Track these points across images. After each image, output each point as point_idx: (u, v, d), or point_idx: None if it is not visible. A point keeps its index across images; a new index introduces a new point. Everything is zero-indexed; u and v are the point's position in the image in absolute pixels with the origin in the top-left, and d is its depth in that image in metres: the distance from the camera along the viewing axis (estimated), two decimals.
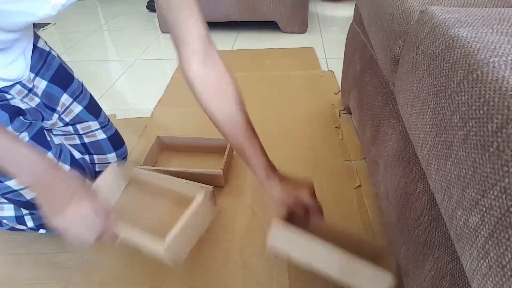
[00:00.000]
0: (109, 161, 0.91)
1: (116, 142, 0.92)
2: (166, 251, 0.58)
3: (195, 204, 0.65)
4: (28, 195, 0.70)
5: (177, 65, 0.64)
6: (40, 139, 0.70)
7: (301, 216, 0.66)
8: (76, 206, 0.53)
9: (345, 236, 0.64)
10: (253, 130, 0.67)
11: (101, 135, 0.88)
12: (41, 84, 0.76)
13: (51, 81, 0.78)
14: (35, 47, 0.74)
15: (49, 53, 0.78)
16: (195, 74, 0.62)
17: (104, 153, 0.90)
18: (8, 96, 0.66)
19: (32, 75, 0.74)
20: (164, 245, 0.58)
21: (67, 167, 0.73)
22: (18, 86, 0.69)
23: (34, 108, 0.73)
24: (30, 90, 0.73)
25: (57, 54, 0.83)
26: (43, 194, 0.54)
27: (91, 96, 0.88)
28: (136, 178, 0.80)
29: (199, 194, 0.67)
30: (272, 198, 0.66)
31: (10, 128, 0.65)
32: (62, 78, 0.81)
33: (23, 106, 0.69)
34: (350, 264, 0.56)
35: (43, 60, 0.76)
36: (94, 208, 0.55)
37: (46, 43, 0.80)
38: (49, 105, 0.78)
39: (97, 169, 0.91)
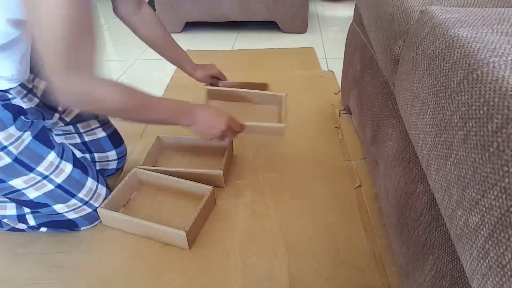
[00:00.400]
0: (110, 159, 0.91)
1: (115, 140, 0.92)
2: (284, 129, 0.93)
3: (284, 108, 1.02)
4: (31, 194, 0.70)
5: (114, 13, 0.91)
6: (43, 138, 0.70)
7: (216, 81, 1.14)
8: (221, 118, 0.80)
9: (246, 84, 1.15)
10: (179, 47, 1.05)
11: (101, 133, 0.89)
12: (41, 85, 0.77)
13: None
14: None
15: None
16: (134, 17, 0.91)
17: (105, 151, 0.90)
18: (10, 96, 0.66)
19: (32, 76, 0.74)
20: (282, 125, 0.93)
21: (70, 166, 0.74)
22: (18, 87, 0.69)
23: (34, 108, 0.73)
24: (29, 91, 0.73)
25: None
26: (200, 125, 0.78)
27: None
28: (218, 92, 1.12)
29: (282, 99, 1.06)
30: (199, 78, 1.10)
31: (13, 127, 0.65)
32: None
33: (24, 105, 0.69)
34: (262, 126, 0.95)
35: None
36: (227, 114, 0.82)
37: None
38: (49, 105, 0.78)
39: (97, 168, 0.91)
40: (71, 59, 0.54)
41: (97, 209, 0.79)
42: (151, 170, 0.89)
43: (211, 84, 1.15)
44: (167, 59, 1.04)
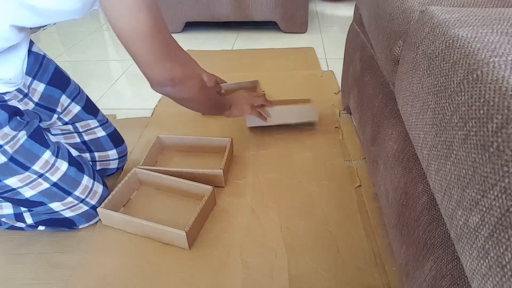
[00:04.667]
0: (110, 158, 0.91)
1: (116, 139, 0.92)
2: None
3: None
4: (26, 193, 0.70)
5: None
6: (38, 137, 0.70)
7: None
8: (248, 98, 1.01)
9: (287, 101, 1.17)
10: (185, 51, 1.01)
11: (100, 133, 0.89)
12: (39, 87, 0.77)
13: (50, 83, 0.78)
14: (29, 51, 0.75)
15: (44, 57, 0.79)
16: None
17: (105, 150, 0.90)
18: (6, 98, 0.67)
19: (29, 79, 0.75)
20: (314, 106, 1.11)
21: (65, 164, 0.74)
22: (14, 91, 0.70)
23: (30, 110, 0.73)
24: (25, 95, 0.73)
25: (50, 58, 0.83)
26: (232, 113, 0.95)
27: (87, 97, 0.89)
28: None
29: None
30: (207, 83, 1.07)
31: (7, 127, 0.65)
32: (60, 80, 0.81)
33: (21, 107, 0.69)
34: (294, 109, 1.10)
35: (39, 63, 0.77)
36: (252, 96, 1.03)
37: (40, 48, 0.80)
38: (48, 106, 0.79)
39: (98, 167, 0.91)
40: (163, 53, 0.64)
41: (97, 209, 0.79)
42: (151, 170, 0.89)
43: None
44: None
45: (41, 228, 0.79)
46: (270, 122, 1.07)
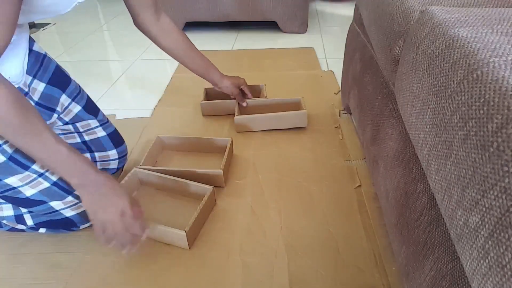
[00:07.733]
0: (111, 159, 0.91)
1: (116, 139, 0.92)
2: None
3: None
4: (27, 192, 0.70)
5: (152, 43, 0.96)
6: None
7: (242, 95, 1.15)
8: (114, 204, 0.66)
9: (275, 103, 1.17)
10: (203, 55, 1.04)
11: (101, 133, 0.89)
12: (39, 87, 0.77)
13: (50, 83, 0.78)
14: (30, 50, 0.75)
15: (44, 56, 0.79)
16: (154, 27, 0.92)
17: (105, 150, 0.90)
18: None
19: (30, 78, 0.75)
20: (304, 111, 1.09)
21: None
22: None
23: None
24: (25, 94, 0.73)
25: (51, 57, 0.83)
26: (89, 195, 0.66)
27: (88, 96, 0.89)
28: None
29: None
30: (226, 88, 1.09)
31: None
32: (60, 79, 0.81)
33: None
34: (283, 116, 1.09)
35: (39, 63, 0.77)
36: (130, 205, 0.67)
37: (41, 47, 0.80)
38: (48, 106, 0.79)
39: (98, 167, 0.91)
40: None
41: None
42: (151, 170, 0.89)
43: (238, 100, 1.14)
44: (192, 70, 1.04)
45: (42, 230, 0.79)
46: (260, 127, 1.11)
